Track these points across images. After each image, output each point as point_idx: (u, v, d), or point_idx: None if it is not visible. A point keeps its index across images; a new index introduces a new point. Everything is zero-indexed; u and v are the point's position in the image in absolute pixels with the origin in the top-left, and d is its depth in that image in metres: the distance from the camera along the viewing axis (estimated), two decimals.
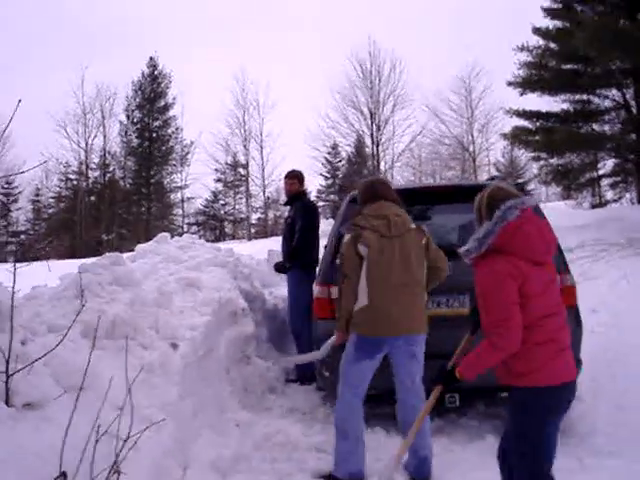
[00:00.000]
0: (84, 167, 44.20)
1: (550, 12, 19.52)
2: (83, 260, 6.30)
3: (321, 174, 45.19)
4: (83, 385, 3.12)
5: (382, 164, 39.19)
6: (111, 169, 45.36)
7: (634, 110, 19.11)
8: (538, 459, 2.81)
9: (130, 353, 3.75)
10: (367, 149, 40.63)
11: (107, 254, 5.15)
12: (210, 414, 4.73)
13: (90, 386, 3.28)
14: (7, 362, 2.94)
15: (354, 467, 4.00)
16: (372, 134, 38.41)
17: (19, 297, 4.17)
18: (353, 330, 4.06)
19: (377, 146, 38.48)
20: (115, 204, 43.78)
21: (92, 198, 45.05)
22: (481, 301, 2.83)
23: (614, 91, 19.57)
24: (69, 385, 3.28)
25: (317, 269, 5.85)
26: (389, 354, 4.09)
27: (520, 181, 35.79)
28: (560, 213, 17.52)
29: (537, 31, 19.68)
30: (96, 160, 44.77)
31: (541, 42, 19.84)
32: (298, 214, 6.53)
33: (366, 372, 4.08)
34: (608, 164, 21.38)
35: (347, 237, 4.08)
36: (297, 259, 6.43)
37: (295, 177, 6.83)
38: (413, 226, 4.12)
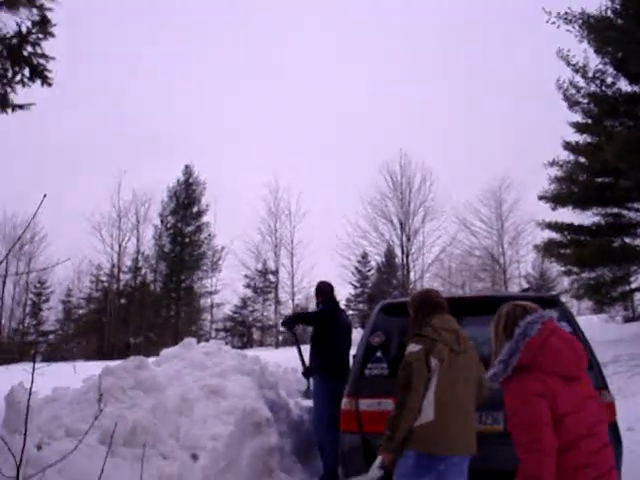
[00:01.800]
0: (116, 269, 44.90)
1: (579, 127, 19.90)
2: (109, 362, 6.24)
3: (350, 283, 45.10)
4: None
5: (412, 274, 39.18)
6: (143, 272, 46.03)
7: None
8: None
9: (148, 462, 3.61)
10: (397, 259, 40.70)
11: (132, 357, 5.10)
12: None
13: None
14: (18, 468, 2.80)
15: None
16: (402, 244, 38.58)
17: (39, 398, 4.08)
18: (411, 447, 3.75)
19: (407, 256, 38.56)
20: (145, 307, 44.05)
21: (122, 300, 45.48)
22: (510, 423, 2.72)
23: None
24: None
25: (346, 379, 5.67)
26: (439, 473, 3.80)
27: (554, 293, 35.42)
28: (593, 327, 17.23)
29: (567, 146, 20.02)
30: (128, 263, 45.60)
31: (571, 157, 20.18)
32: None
33: None
34: None
35: (416, 348, 3.81)
36: (314, 363, 6.41)
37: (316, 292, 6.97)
38: (472, 343, 4.01)
